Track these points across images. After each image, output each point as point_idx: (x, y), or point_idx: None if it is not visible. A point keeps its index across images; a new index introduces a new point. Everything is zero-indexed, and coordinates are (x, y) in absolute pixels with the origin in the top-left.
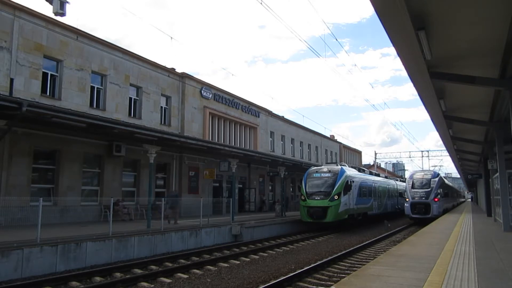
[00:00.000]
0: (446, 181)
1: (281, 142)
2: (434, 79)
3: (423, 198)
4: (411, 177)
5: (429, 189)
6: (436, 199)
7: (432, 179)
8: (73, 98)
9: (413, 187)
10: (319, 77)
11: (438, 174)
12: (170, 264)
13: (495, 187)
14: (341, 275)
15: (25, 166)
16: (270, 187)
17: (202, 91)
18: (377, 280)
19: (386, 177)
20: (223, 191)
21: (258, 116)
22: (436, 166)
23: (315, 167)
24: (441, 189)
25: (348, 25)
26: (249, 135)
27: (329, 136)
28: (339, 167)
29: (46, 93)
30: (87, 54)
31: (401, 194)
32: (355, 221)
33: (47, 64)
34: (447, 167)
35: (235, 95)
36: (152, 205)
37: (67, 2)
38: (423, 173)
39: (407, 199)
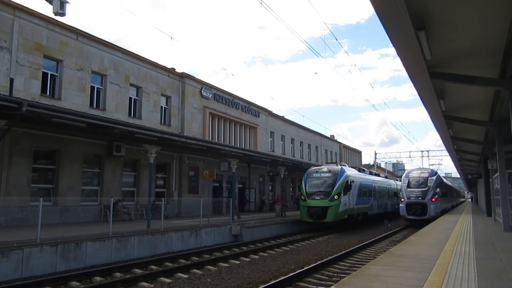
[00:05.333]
0: (444, 180)
1: (281, 142)
2: (434, 79)
3: (420, 198)
4: (407, 175)
5: (426, 188)
6: (433, 199)
7: (429, 178)
8: (73, 98)
9: (408, 186)
10: (319, 77)
11: (436, 173)
12: (170, 264)
13: (495, 187)
14: (341, 275)
15: (25, 166)
16: (270, 187)
17: (202, 91)
18: (377, 280)
19: (386, 177)
20: (223, 191)
21: (258, 116)
22: (433, 165)
23: (315, 167)
24: (439, 189)
25: (346, 26)
26: (249, 135)
27: (329, 136)
28: (339, 167)
29: (46, 93)
30: (87, 54)
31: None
32: (355, 221)
33: (47, 64)
34: (447, 166)
35: (235, 95)
36: (152, 205)
37: (67, 2)
38: (419, 171)
39: (403, 199)
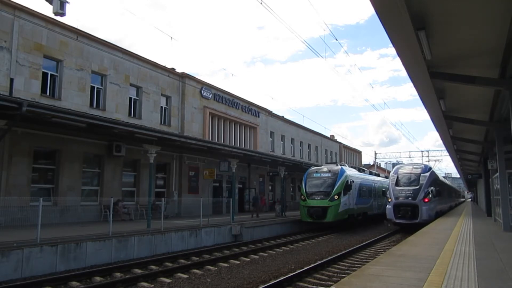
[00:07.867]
0: (440, 177)
1: (281, 142)
2: (434, 79)
3: (410, 198)
4: (395, 171)
5: (417, 187)
6: (426, 199)
7: (422, 174)
8: (73, 98)
9: (397, 184)
10: (318, 77)
11: (430, 168)
12: (170, 264)
13: (495, 187)
14: (341, 275)
15: (25, 166)
16: (270, 187)
17: (202, 91)
18: (377, 280)
19: (386, 177)
20: (223, 191)
21: (258, 116)
22: (429, 161)
23: (315, 167)
24: (433, 187)
25: (346, 26)
26: (249, 135)
27: (329, 136)
28: (339, 167)
29: (46, 93)
30: (87, 54)
31: None
32: (355, 221)
33: (47, 64)
34: (447, 166)
35: (235, 95)
36: (152, 205)
37: (67, 2)
38: (411, 167)
39: (390, 199)
